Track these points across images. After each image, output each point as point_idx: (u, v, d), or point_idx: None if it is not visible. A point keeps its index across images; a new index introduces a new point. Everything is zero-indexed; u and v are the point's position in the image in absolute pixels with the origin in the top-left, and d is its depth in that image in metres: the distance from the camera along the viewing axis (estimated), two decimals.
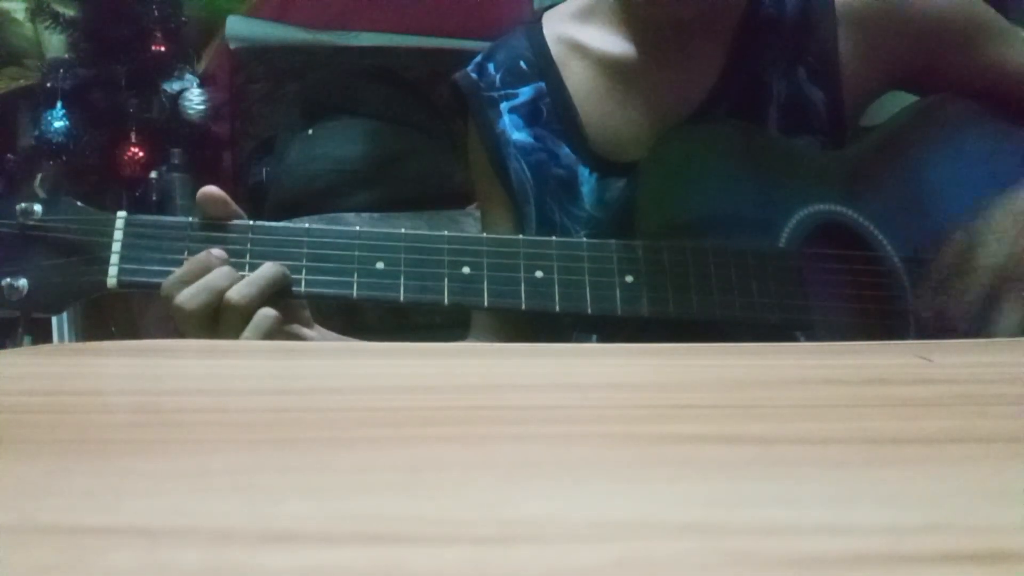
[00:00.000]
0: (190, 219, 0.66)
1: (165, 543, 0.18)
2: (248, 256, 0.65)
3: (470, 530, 0.19)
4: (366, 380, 0.36)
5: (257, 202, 1.82)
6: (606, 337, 0.78)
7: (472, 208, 1.60)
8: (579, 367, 0.40)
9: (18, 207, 0.63)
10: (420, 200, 1.71)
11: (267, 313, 0.62)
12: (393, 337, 1.55)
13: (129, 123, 1.85)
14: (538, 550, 0.18)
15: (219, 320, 0.61)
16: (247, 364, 0.40)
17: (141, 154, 1.85)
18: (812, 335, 0.69)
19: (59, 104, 1.80)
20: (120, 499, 0.20)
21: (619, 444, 0.26)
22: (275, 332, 0.62)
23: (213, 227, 0.66)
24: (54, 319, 1.73)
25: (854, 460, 0.25)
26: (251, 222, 0.67)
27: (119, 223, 0.64)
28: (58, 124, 1.79)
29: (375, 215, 1.63)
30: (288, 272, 0.64)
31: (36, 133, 1.81)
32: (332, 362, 0.41)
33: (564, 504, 0.20)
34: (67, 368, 0.37)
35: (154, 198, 1.91)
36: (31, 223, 0.63)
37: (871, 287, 0.72)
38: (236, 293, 0.61)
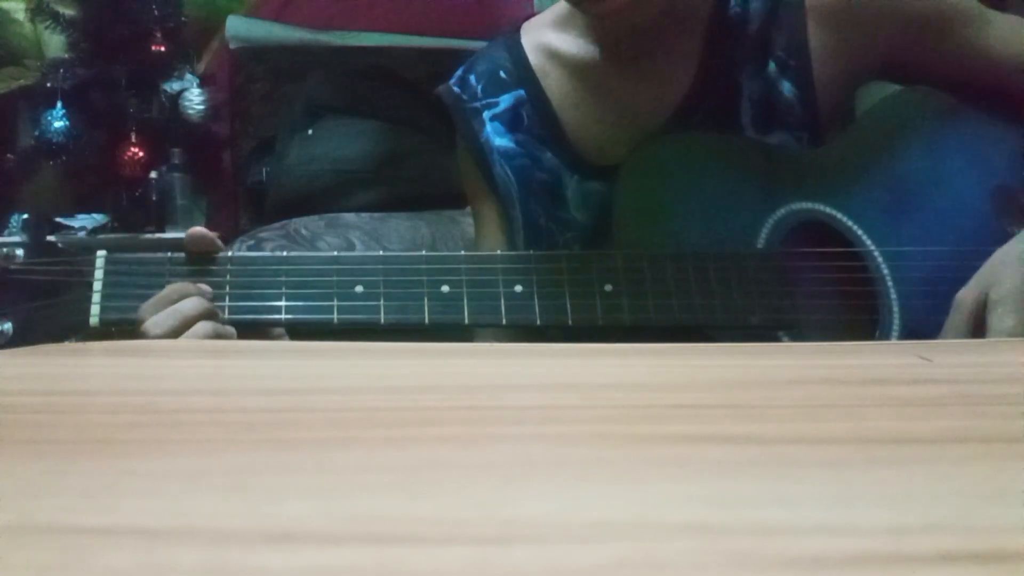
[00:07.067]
0: (169, 255, 0.66)
1: (164, 543, 0.18)
2: (228, 287, 0.66)
3: (470, 530, 0.19)
4: (366, 380, 0.36)
5: (257, 202, 1.82)
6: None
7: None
8: (579, 367, 0.40)
9: None
10: (420, 200, 1.71)
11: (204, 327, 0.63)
12: (392, 338, 1.55)
13: (129, 123, 1.85)
14: (538, 550, 0.18)
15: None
16: (247, 364, 0.40)
17: (141, 154, 1.85)
18: (795, 335, 0.69)
19: (59, 104, 1.80)
20: (119, 499, 0.20)
21: (619, 444, 0.26)
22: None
23: (192, 261, 0.67)
24: None
25: (854, 460, 0.25)
26: (230, 253, 0.68)
27: (99, 262, 0.65)
28: (58, 124, 1.79)
29: (375, 215, 1.63)
30: (208, 297, 0.64)
31: (36, 133, 1.81)
32: (332, 362, 0.41)
33: (564, 504, 0.20)
34: (67, 368, 0.37)
35: (154, 198, 1.91)
36: (12, 267, 0.63)
37: (852, 283, 0.72)
38: (154, 325, 0.61)
